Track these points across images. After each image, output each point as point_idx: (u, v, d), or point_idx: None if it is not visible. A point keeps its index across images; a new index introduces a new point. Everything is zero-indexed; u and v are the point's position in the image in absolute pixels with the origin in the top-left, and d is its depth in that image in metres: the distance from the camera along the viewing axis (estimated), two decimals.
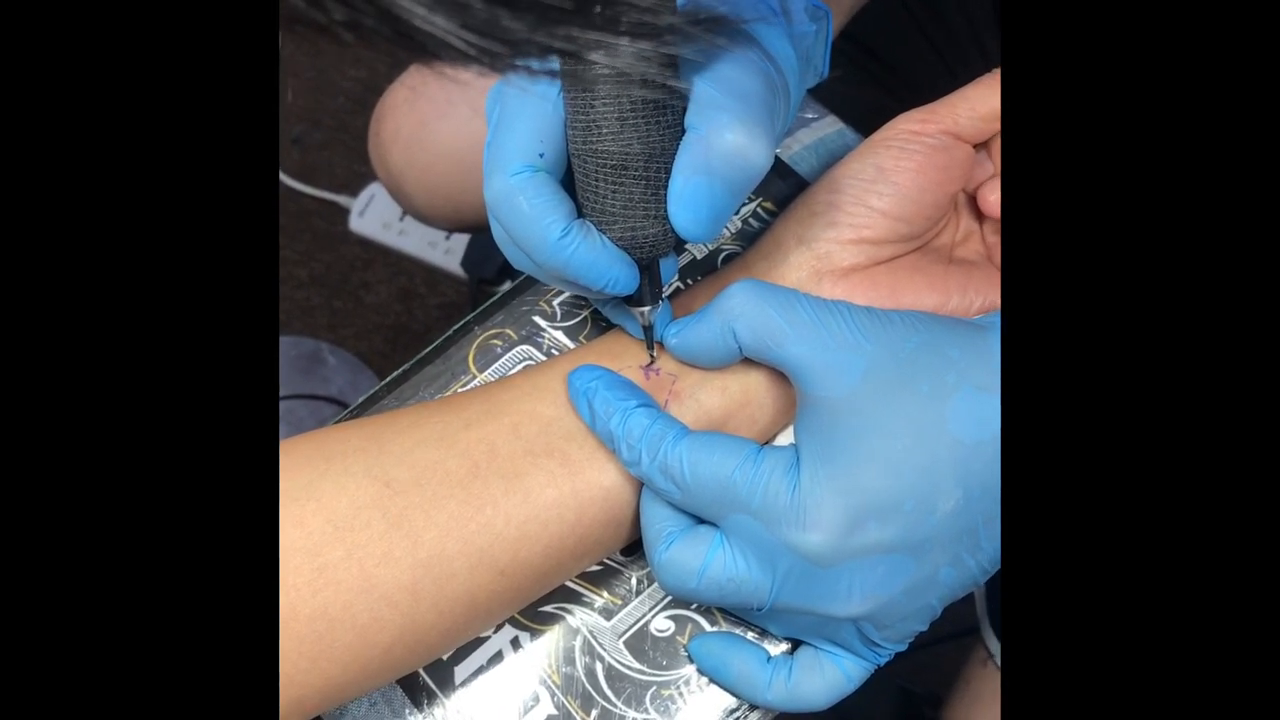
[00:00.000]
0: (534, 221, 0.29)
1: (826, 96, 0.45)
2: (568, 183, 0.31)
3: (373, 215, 1.07)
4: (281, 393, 0.95)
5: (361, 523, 0.29)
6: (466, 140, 0.57)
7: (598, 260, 0.30)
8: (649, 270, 0.31)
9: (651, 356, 0.34)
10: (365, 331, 1.05)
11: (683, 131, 0.29)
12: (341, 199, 1.08)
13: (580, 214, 0.30)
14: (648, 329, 0.33)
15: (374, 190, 1.08)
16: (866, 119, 0.40)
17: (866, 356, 0.30)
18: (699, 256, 0.41)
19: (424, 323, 1.05)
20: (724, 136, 0.28)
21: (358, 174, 1.10)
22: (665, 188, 0.29)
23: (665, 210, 0.29)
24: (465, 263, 1.03)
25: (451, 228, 0.63)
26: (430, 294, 1.07)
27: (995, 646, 0.51)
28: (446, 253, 1.06)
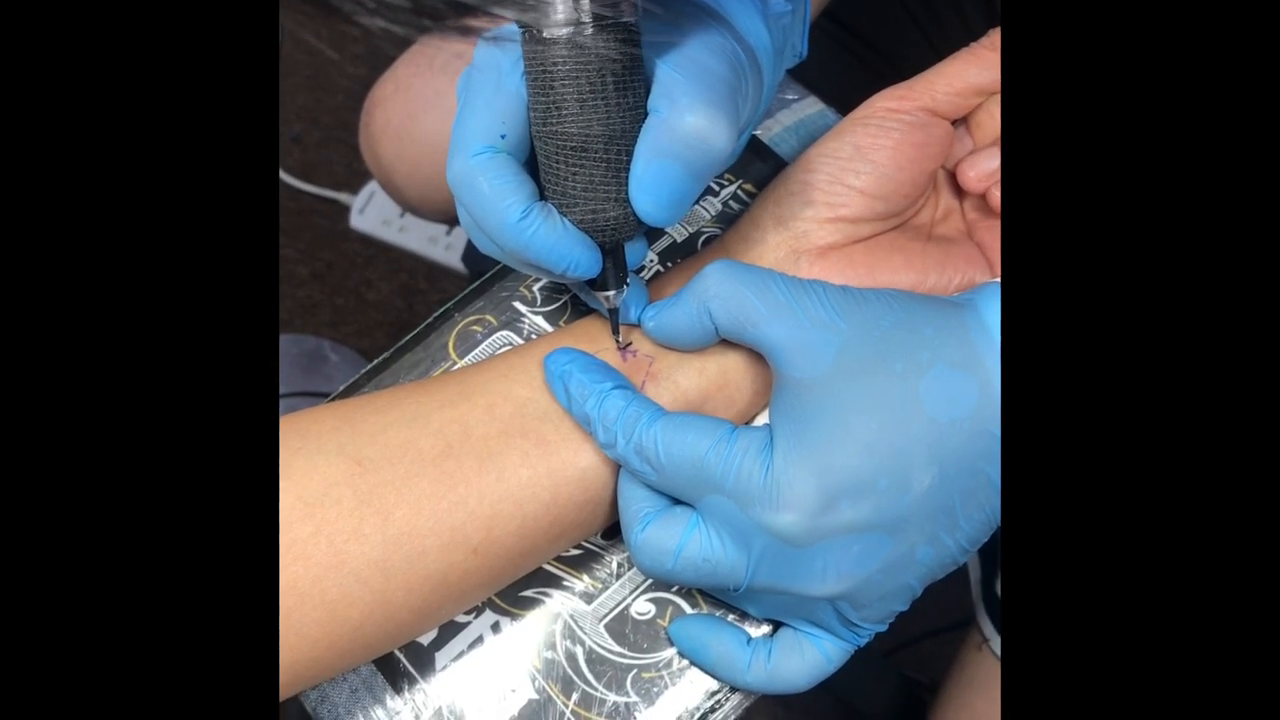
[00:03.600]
0: (494, 202, 0.29)
1: (809, 77, 0.45)
2: (531, 165, 0.31)
3: (373, 212, 1.07)
4: (283, 390, 0.96)
5: (331, 500, 0.30)
6: None
7: (558, 243, 0.29)
8: (613, 254, 0.31)
9: (618, 341, 0.34)
10: (367, 328, 1.05)
11: (645, 114, 0.28)
12: (342, 196, 1.09)
13: (542, 196, 0.30)
14: (613, 312, 0.33)
15: (374, 188, 1.08)
16: (849, 99, 0.40)
17: (841, 335, 0.30)
18: (679, 240, 0.41)
19: (425, 319, 1.05)
20: (685, 120, 0.28)
21: (358, 171, 1.11)
22: (627, 170, 0.29)
23: (627, 193, 0.29)
24: (466, 258, 1.03)
25: (443, 219, 0.63)
26: (431, 290, 1.07)
27: (989, 630, 0.50)
28: (447, 249, 1.06)
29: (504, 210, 0.29)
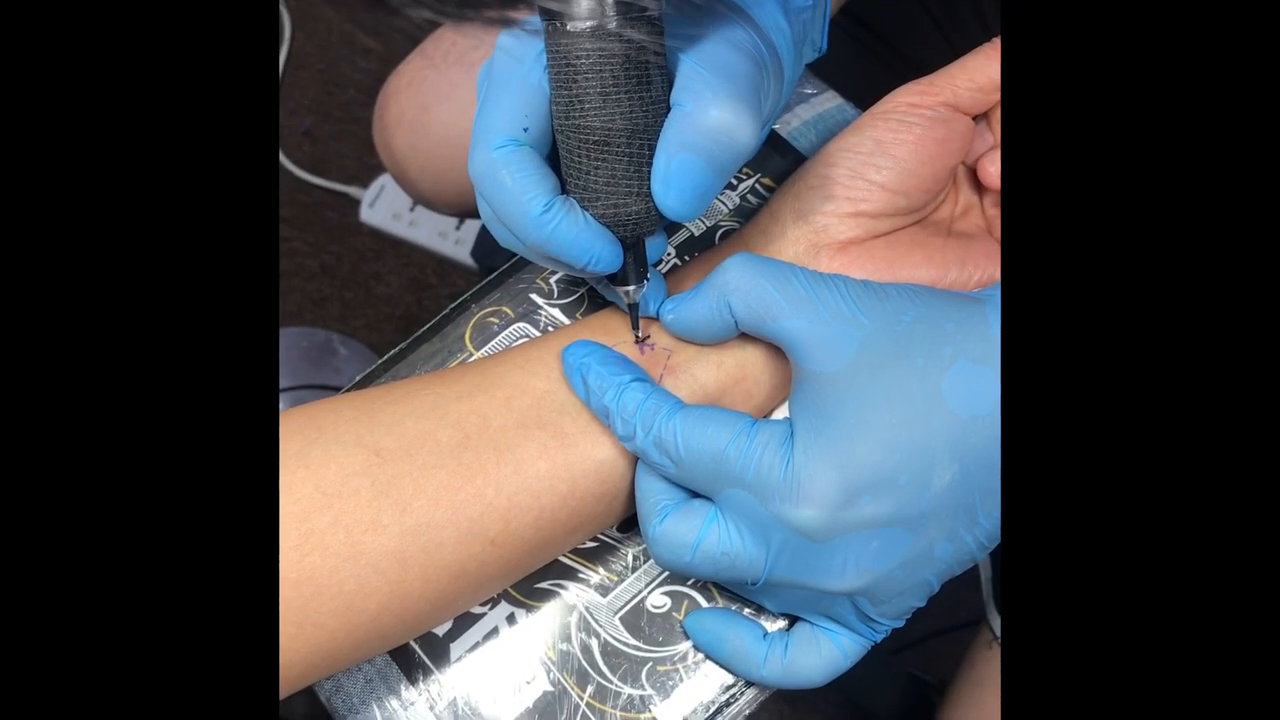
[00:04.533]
0: (516, 196, 0.29)
1: (828, 72, 0.45)
2: (553, 159, 0.30)
3: (383, 206, 1.07)
4: (292, 383, 0.96)
5: (350, 490, 0.29)
6: (468, 125, 0.56)
7: (580, 237, 0.29)
8: (634, 249, 0.31)
9: (636, 335, 0.34)
10: (376, 322, 1.05)
11: (668, 109, 0.28)
12: (352, 190, 1.09)
13: (564, 190, 0.30)
14: (632, 307, 0.33)
15: (384, 181, 1.08)
16: (865, 95, 0.40)
17: (862, 330, 0.30)
18: (697, 233, 0.41)
19: (435, 313, 1.04)
20: (709, 114, 0.28)
21: (368, 165, 1.11)
22: (649, 165, 0.29)
23: (649, 188, 0.29)
24: (475, 253, 1.03)
25: (456, 212, 0.63)
26: (441, 284, 1.07)
27: (1000, 628, 0.50)
28: (457, 243, 1.06)
29: (526, 204, 0.29)
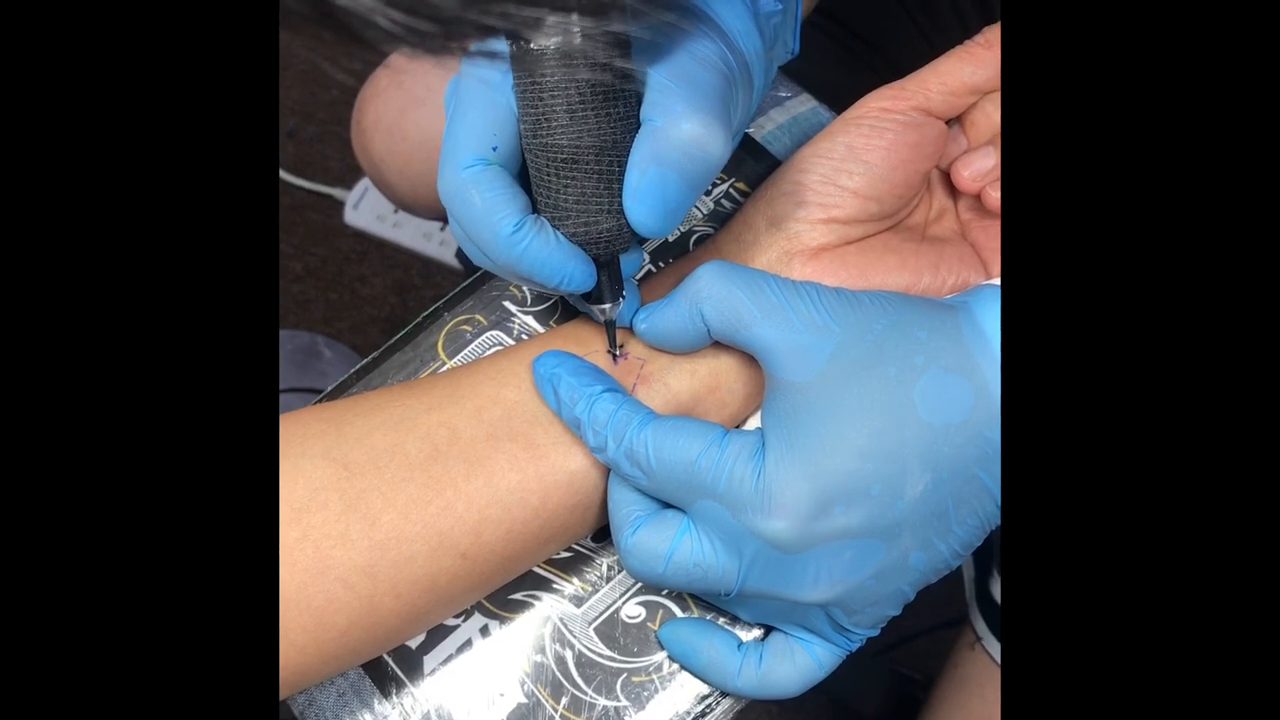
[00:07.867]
0: (485, 216, 0.29)
1: (803, 73, 0.45)
2: (524, 177, 0.30)
3: (367, 208, 1.07)
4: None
5: (318, 504, 0.29)
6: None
7: (551, 257, 0.29)
8: (608, 266, 0.31)
9: (612, 353, 0.33)
10: (361, 324, 1.05)
11: (637, 124, 0.28)
12: (336, 192, 1.08)
13: (535, 209, 0.30)
14: (609, 324, 0.33)
15: (368, 183, 1.08)
16: (843, 95, 0.40)
17: (834, 339, 0.30)
18: (671, 238, 0.41)
19: (419, 315, 1.05)
20: (680, 127, 0.27)
21: (352, 167, 1.10)
22: (620, 181, 0.28)
23: (620, 205, 0.29)
24: (460, 254, 1.03)
25: (435, 216, 0.63)
26: (425, 286, 1.07)
27: (982, 629, 0.50)
28: (441, 244, 1.06)
29: (496, 224, 0.29)
